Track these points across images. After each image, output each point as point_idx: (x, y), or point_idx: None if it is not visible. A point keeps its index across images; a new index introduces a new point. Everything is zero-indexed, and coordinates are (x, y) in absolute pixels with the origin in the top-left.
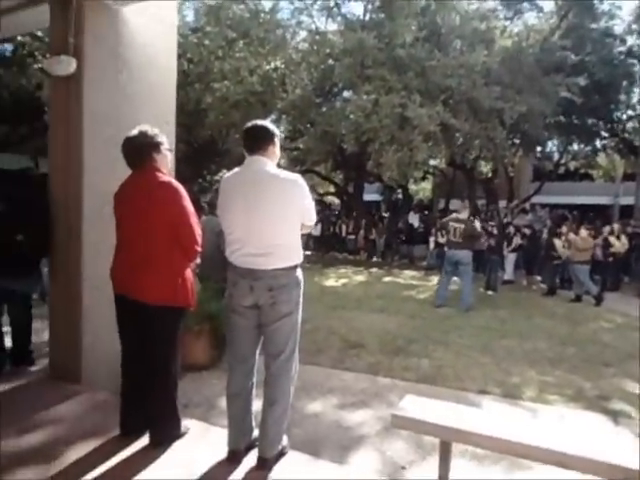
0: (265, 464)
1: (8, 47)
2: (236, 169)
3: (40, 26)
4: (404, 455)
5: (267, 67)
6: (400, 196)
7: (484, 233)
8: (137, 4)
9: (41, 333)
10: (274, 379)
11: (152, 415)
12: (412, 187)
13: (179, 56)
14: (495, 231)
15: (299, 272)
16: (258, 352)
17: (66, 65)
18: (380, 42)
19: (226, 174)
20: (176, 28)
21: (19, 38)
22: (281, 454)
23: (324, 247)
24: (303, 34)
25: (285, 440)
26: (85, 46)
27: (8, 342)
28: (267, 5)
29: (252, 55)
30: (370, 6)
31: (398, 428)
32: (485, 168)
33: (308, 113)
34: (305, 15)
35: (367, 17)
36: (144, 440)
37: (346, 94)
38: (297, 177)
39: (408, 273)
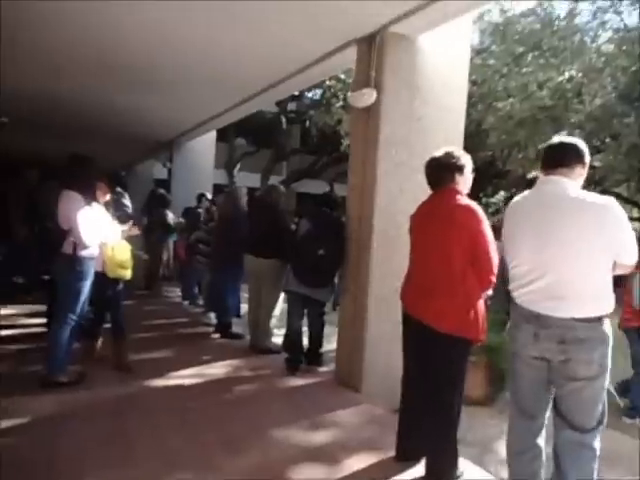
0: None
1: (318, 91)
2: (527, 191)
3: (345, 67)
4: None
5: (560, 78)
6: None
7: None
8: (431, 31)
9: (332, 338)
10: (569, 450)
11: (430, 445)
12: None
13: None
14: None
15: (606, 326)
16: (549, 410)
17: (368, 97)
18: None
19: (515, 197)
20: (468, 50)
21: (326, 82)
22: None
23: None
24: (607, 35)
25: None
26: (384, 78)
27: (305, 343)
28: (563, 11)
29: (542, 68)
30: None
31: None
32: None
33: (610, 125)
34: (611, 12)
35: None
36: (419, 469)
37: None
38: (610, 200)
39: None
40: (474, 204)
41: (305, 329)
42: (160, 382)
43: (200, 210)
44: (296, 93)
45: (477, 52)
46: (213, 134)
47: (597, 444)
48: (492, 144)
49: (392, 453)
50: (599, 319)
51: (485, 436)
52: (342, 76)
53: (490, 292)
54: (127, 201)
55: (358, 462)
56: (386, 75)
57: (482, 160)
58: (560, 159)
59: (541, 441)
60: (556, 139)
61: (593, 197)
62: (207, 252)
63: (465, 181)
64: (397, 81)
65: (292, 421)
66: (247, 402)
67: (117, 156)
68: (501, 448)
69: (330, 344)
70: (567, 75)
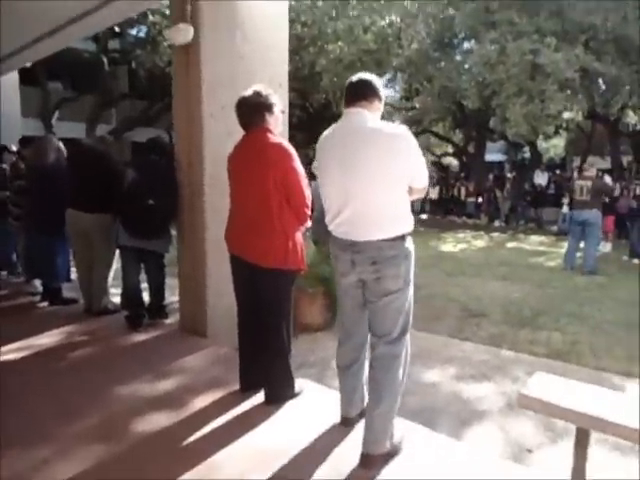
0: (369, 462)
1: (143, 28)
2: (334, 125)
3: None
4: (530, 437)
5: (382, 23)
6: (527, 155)
7: (615, 188)
8: None
9: (176, 290)
10: (380, 364)
11: (266, 373)
12: (542, 144)
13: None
14: None
15: (409, 243)
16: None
17: (185, 33)
18: None
19: (324, 132)
20: None
21: (151, 18)
22: (390, 454)
23: (441, 210)
24: None
25: (398, 437)
26: (200, 12)
27: (146, 298)
28: None
29: (366, 12)
30: None
31: (525, 408)
32: (633, 119)
33: (425, 69)
34: None
35: None
36: (260, 397)
37: (467, 45)
38: (404, 130)
39: (535, 238)
40: (285, 142)
41: (145, 284)
42: None
43: (4, 166)
44: (117, 30)
45: None
46: (14, 76)
47: (403, 352)
48: (325, 86)
49: (237, 387)
50: (402, 237)
51: (325, 356)
52: (167, 11)
53: (309, 224)
54: None
55: (203, 401)
56: (202, 9)
57: (317, 102)
58: (360, 94)
59: (363, 356)
60: (355, 76)
61: (389, 127)
62: (19, 214)
63: (275, 120)
64: (215, 16)
65: (135, 376)
66: (85, 367)
67: None
68: None
69: (174, 295)
70: (387, 20)
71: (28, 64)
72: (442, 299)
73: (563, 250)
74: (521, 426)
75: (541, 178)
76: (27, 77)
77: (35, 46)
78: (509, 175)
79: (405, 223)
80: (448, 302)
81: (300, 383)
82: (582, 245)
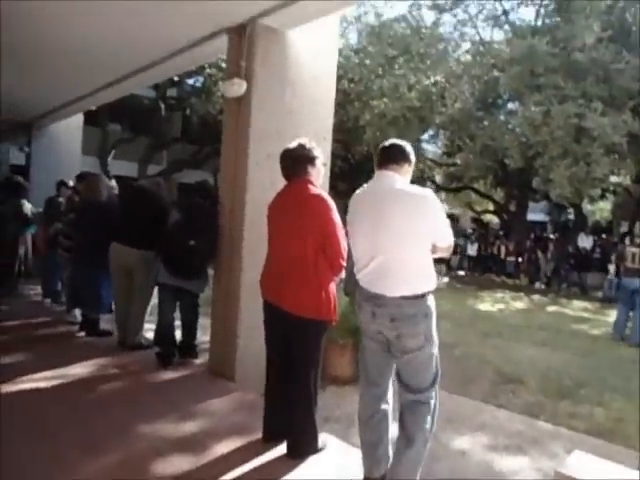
0: None
1: (199, 78)
2: (365, 185)
3: (221, 56)
4: None
5: (426, 82)
6: (572, 216)
7: None
8: (301, 26)
9: (208, 330)
10: (410, 410)
11: (290, 424)
12: (587, 207)
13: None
14: None
15: (430, 301)
16: (391, 378)
17: (238, 87)
18: (554, 47)
19: (357, 190)
20: (337, 46)
21: (207, 70)
22: None
23: (480, 268)
24: (466, 46)
25: None
26: (255, 68)
27: (179, 336)
28: (429, 20)
29: (412, 71)
30: (543, 10)
31: None
32: None
33: (468, 127)
34: (469, 26)
35: (539, 22)
36: (282, 448)
37: (511, 106)
38: (428, 192)
39: (579, 304)
40: (324, 193)
41: (179, 322)
42: (10, 387)
43: (61, 199)
44: (176, 79)
45: (355, 52)
46: (80, 117)
47: (432, 400)
48: (368, 139)
49: (260, 435)
50: (423, 296)
51: (352, 411)
52: (223, 65)
53: (343, 275)
54: None
55: (225, 446)
56: (256, 66)
57: (360, 154)
58: (392, 158)
59: (385, 406)
60: (388, 141)
61: (416, 190)
62: (68, 245)
63: (317, 172)
64: (267, 73)
65: (160, 415)
66: (112, 401)
67: None
68: None
69: (206, 336)
70: (432, 79)
71: (93, 107)
72: (476, 361)
73: (608, 318)
74: None
75: (586, 241)
76: (90, 118)
77: (103, 91)
78: (552, 236)
79: (428, 281)
80: (483, 364)
81: (324, 438)
82: (631, 314)
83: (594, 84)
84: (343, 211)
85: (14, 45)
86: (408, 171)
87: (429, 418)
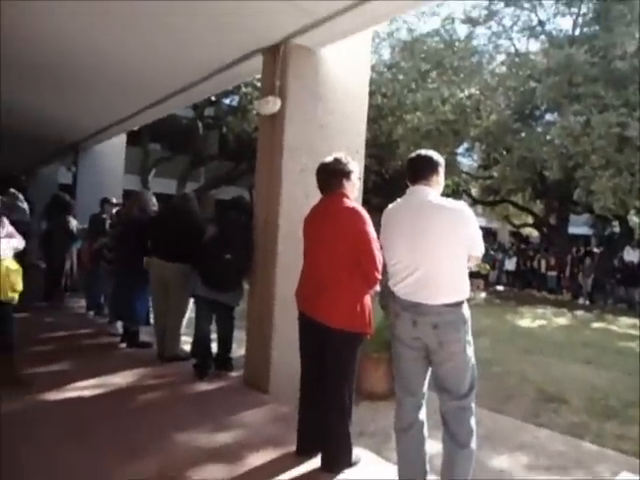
0: None
1: (235, 97)
2: (398, 200)
3: (256, 76)
4: None
5: (460, 95)
6: (617, 229)
7: None
8: (334, 43)
9: (244, 343)
10: (453, 417)
11: (325, 437)
12: (634, 219)
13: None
14: None
15: (465, 309)
16: (426, 384)
17: (272, 105)
18: (593, 56)
19: (390, 205)
20: (369, 62)
21: (243, 89)
22: None
23: (519, 283)
24: (501, 58)
25: None
26: (288, 86)
27: (215, 349)
28: (462, 33)
29: (445, 84)
30: (580, 19)
31: None
32: None
33: (504, 139)
34: (504, 38)
35: (577, 31)
36: (316, 461)
37: (548, 117)
38: (462, 205)
39: (626, 320)
40: (359, 207)
41: (215, 335)
42: (56, 395)
43: (104, 216)
44: (213, 99)
45: (388, 67)
46: (123, 138)
47: (473, 404)
48: (402, 154)
49: (294, 448)
50: (460, 303)
51: (386, 426)
52: (258, 84)
53: (378, 288)
54: (22, 204)
55: (260, 458)
56: (290, 84)
57: (393, 169)
58: (420, 172)
59: (422, 417)
60: (414, 154)
61: (449, 203)
62: (111, 257)
63: (352, 186)
64: (301, 90)
65: (196, 425)
66: (151, 409)
67: (16, 159)
68: None
69: (242, 349)
70: (467, 92)
71: (135, 127)
72: (516, 378)
73: None
74: None
75: (632, 255)
76: (132, 138)
77: (145, 112)
78: (596, 250)
79: (464, 290)
80: (523, 382)
81: (357, 452)
82: None
83: (637, 92)
84: (377, 225)
85: (60, 72)
86: (438, 182)
87: (472, 421)
